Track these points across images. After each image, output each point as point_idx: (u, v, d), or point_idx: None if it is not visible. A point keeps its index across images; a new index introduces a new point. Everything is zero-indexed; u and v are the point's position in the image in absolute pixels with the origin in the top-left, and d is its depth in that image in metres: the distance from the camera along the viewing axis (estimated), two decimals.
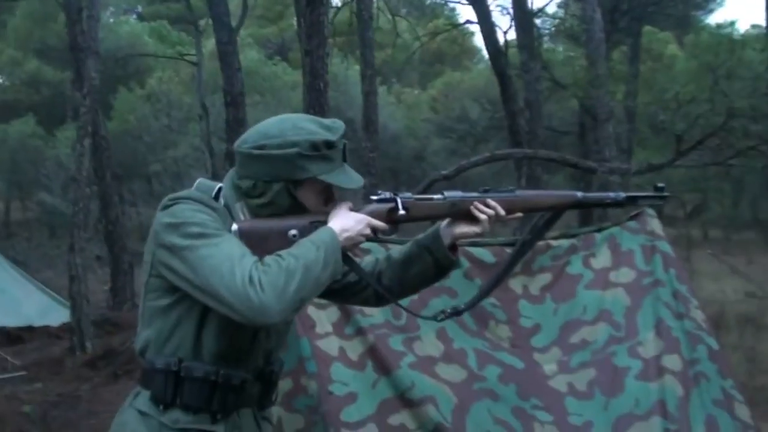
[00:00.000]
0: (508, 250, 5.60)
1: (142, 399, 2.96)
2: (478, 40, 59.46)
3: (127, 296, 18.66)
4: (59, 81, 39.03)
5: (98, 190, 19.07)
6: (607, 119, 17.04)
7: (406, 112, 38.92)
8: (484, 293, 3.73)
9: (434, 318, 3.62)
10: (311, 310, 4.69)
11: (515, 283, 5.58)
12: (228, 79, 15.55)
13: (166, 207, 2.87)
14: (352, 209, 3.02)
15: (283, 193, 2.96)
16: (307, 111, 11.92)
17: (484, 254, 5.53)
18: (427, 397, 4.73)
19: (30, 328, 15.92)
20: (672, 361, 5.42)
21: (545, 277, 5.68)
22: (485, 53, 27.81)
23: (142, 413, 2.94)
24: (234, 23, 18.65)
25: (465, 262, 5.43)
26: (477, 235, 3.22)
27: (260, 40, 44.65)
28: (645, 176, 14.71)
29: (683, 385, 5.34)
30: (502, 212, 3.18)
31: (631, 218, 6.09)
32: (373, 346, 4.76)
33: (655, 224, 6.03)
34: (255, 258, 2.72)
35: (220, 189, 2.99)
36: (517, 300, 5.55)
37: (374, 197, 3.11)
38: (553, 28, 29.23)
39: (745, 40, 14.39)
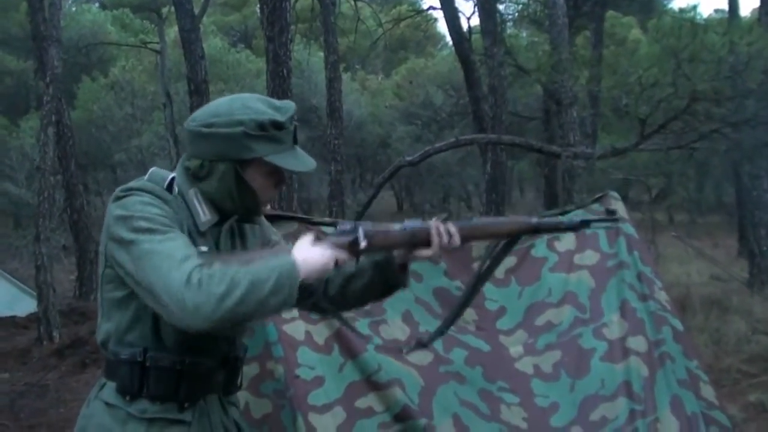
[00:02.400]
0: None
1: (108, 390, 2.94)
2: (442, 26, 59.68)
3: (93, 286, 18.54)
4: (22, 70, 38.71)
5: (63, 179, 18.98)
6: (570, 104, 17.06)
7: (371, 98, 38.92)
8: (449, 322, 3.69)
9: (399, 351, 3.66)
10: None
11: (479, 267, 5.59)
12: (191, 66, 15.48)
13: (117, 198, 2.83)
14: (318, 239, 2.95)
15: (230, 173, 2.93)
16: (270, 98, 11.92)
17: None
18: (394, 380, 4.75)
19: None
20: (637, 343, 5.46)
21: (510, 261, 5.70)
22: (449, 39, 27.85)
23: (108, 405, 2.92)
24: (197, 11, 18.60)
25: None
26: (427, 258, 3.19)
27: (223, 27, 44.61)
28: (609, 160, 14.75)
29: (648, 366, 5.39)
30: (458, 241, 3.13)
31: (595, 201, 6.12)
32: (340, 330, 4.76)
33: (619, 206, 6.05)
34: (199, 261, 2.68)
35: (173, 179, 2.94)
36: None
37: (336, 229, 3.04)
38: (516, 14, 29.26)
39: (708, 25, 14.43)
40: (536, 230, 3.37)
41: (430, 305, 5.31)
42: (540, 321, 5.54)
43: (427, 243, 3.10)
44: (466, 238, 3.18)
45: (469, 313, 5.45)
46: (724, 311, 13.23)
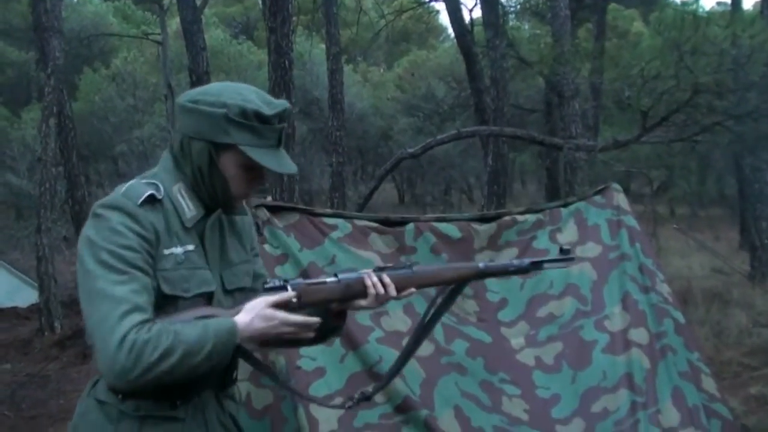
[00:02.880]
0: (475, 225, 5.64)
1: (101, 387, 2.92)
2: (444, 18, 59.59)
3: None
4: (23, 62, 38.64)
5: (64, 170, 18.95)
6: (572, 96, 17.04)
7: (372, 90, 38.80)
8: (393, 374, 3.65)
9: (341, 406, 3.65)
10: None
11: (482, 258, 5.59)
12: (193, 58, 15.46)
13: (94, 215, 2.80)
14: (274, 304, 2.88)
15: (204, 153, 2.91)
16: (272, 89, 11.89)
17: (451, 229, 5.55)
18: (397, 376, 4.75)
19: None
20: (638, 335, 5.48)
21: (512, 252, 5.70)
22: (451, 31, 27.83)
23: (100, 402, 2.90)
24: (198, 2, 18.55)
25: (432, 238, 5.45)
26: (364, 307, 3.15)
27: (225, 19, 44.52)
28: (611, 153, 14.73)
29: (650, 358, 5.40)
30: (394, 293, 3.10)
31: (597, 193, 6.13)
32: None
33: (621, 199, 6.07)
34: (144, 316, 2.64)
35: (150, 195, 2.84)
36: None
37: (264, 286, 3.00)
38: (518, 6, 29.19)
39: (710, 17, 14.40)
40: (483, 275, 3.38)
41: (431, 296, 5.30)
42: (542, 313, 5.55)
43: (363, 294, 3.07)
44: (404, 288, 3.14)
45: (471, 305, 5.46)
46: (725, 304, 13.23)
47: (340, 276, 3.06)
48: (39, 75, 18.76)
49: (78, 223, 19.23)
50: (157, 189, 2.87)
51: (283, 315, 2.88)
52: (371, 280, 3.06)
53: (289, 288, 2.97)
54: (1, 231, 27.03)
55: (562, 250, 3.52)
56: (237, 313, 2.87)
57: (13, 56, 39.27)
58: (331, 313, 3.18)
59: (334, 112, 18.10)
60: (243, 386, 4.39)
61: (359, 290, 3.06)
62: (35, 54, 20.90)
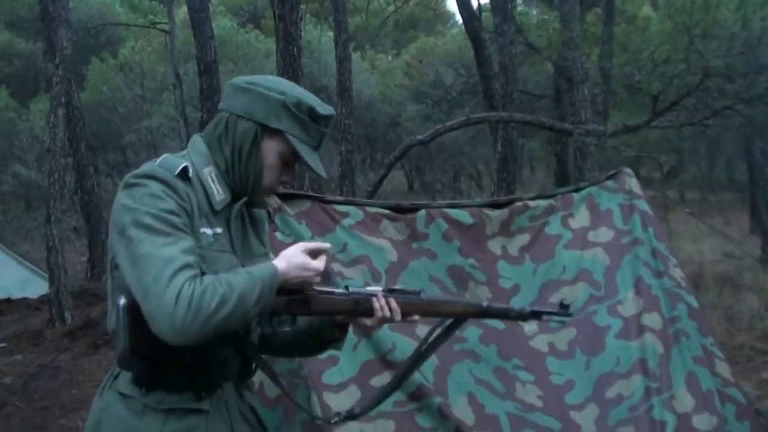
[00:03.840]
0: (487, 211, 5.62)
1: (123, 381, 2.88)
2: (452, 5, 59.53)
3: (105, 267, 18.51)
4: (31, 52, 38.71)
5: (73, 161, 18.98)
6: (582, 81, 16.99)
7: (381, 78, 38.76)
8: (387, 392, 3.63)
9: (328, 420, 3.64)
10: None
11: (494, 245, 5.59)
12: (201, 47, 15.45)
13: (127, 185, 2.76)
14: (307, 251, 2.89)
15: (250, 133, 2.92)
16: (280, 77, 11.87)
17: (463, 215, 5.54)
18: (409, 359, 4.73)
19: (9, 301, 15.88)
20: (652, 320, 5.46)
21: (524, 238, 5.69)
22: (459, 18, 27.74)
23: (123, 395, 2.86)
24: None
25: (444, 224, 5.44)
26: (366, 325, 3.13)
27: (232, 7, 44.40)
28: (620, 138, 14.71)
29: (663, 343, 5.38)
30: (398, 318, 3.08)
31: (609, 177, 6.10)
32: None
33: (633, 183, 6.05)
34: (194, 272, 2.64)
35: (185, 167, 2.83)
36: (496, 261, 5.56)
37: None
38: None
39: (720, 0, 14.36)
40: (484, 314, 3.38)
41: (443, 283, 5.30)
42: (554, 298, 5.51)
43: (369, 313, 3.06)
44: (408, 313, 3.12)
45: (483, 291, 5.45)
46: (736, 288, 13.23)
47: (351, 290, 3.04)
48: (47, 65, 18.85)
49: (87, 213, 19.30)
50: (190, 166, 2.86)
51: (316, 263, 2.88)
52: (380, 303, 3.05)
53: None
54: (11, 222, 27.09)
55: (562, 305, 3.50)
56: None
57: (20, 47, 39.34)
58: (335, 324, 3.19)
59: (342, 99, 18.05)
60: (256, 376, 4.35)
61: (366, 308, 3.05)
62: (43, 45, 20.99)
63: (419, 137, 13.50)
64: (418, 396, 4.73)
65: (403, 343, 4.77)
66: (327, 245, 2.95)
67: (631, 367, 5.30)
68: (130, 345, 2.76)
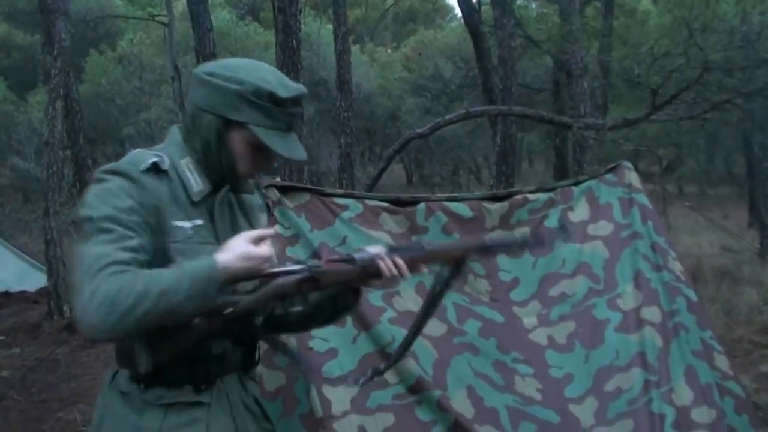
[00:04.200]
0: (486, 204, 5.61)
1: (121, 378, 2.89)
2: None
3: None
4: (29, 44, 38.74)
5: (72, 153, 18.99)
6: (581, 75, 16.99)
7: (380, 71, 38.79)
8: (404, 349, 3.59)
9: (355, 382, 3.61)
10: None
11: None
12: (200, 39, 15.38)
13: (96, 180, 2.78)
14: (250, 240, 2.80)
15: (213, 127, 2.88)
16: (280, 70, 11.83)
17: (462, 208, 5.53)
18: (408, 352, 4.73)
19: (7, 294, 15.88)
20: (651, 313, 5.46)
21: (523, 231, 5.68)
22: (458, 11, 27.74)
23: (123, 393, 2.87)
24: None
25: (443, 217, 5.43)
26: (377, 287, 3.11)
27: (231, 0, 44.42)
28: (619, 131, 14.72)
29: (663, 337, 5.38)
30: (407, 273, 3.04)
31: (608, 171, 6.10)
32: None
33: (632, 177, 6.04)
34: (123, 268, 2.59)
35: (155, 163, 2.81)
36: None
37: (283, 268, 2.91)
38: None
39: None
40: (487, 250, 3.34)
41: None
42: (554, 292, 5.53)
43: (377, 274, 3.03)
44: (415, 268, 3.10)
45: (483, 284, 5.44)
46: (735, 282, 13.25)
47: (357, 257, 3.01)
48: (45, 58, 18.84)
49: None
50: (162, 160, 2.84)
51: (260, 250, 2.79)
52: (386, 263, 3.01)
53: (307, 270, 2.91)
54: (9, 215, 27.04)
55: (562, 228, 3.51)
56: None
57: (18, 39, 39.37)
58: (347, 291, 3.15)
59: (341, 92, 18.05)
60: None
61: (374, 271, 3.01)
62: (41, 37, 20.95)
63: (418, 130, 13.51)
64: (417, 389, 4.73)
65: (402, 336, 4.76)
66: (270, 231, 2.89)
67: (630, 361, 5.29)
68: (154, 360, 2.78)
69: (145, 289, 2.55)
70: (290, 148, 2.91)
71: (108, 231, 2.64)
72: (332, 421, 4.45)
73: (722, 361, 5.59)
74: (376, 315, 4.80)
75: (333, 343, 4.64)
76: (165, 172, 2.83)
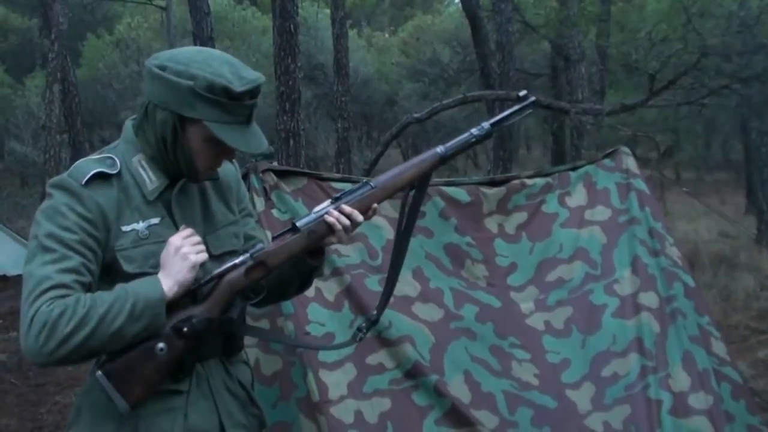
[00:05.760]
0: (483, 188, 5.60)
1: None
2: None
3: None
4: (27, 28, 38.69)
5: (69, 137, 18.95)
6: (579, 60, 17.01)
7: (377, 56, 38.72)
8: (388, 290, 3.54)
9: (354, 340, 3.52)
10: None
11: (491, 222, 5.58)
12: (197, 23, 15.37)
13: (47, 193, 2.77)
14: (171, 246, 2.79)
15: (168, 123, 2.79)
16: (277, 54, 11.84)
17: (459, 193, 5.52)
18: (405, 337, 4.73)
19: (4, 278, 15.89)
20: (648, 299, 5.46)
21: (521, 216, 5.68)
22: None
23: (100, 384, 2.81)
24: None
25: (440, 202, 5.42)
26: (335, 243, 3.04)
27: None
28: (616, 117, 14.70)
29: (660, 322, 5.39)
30: (360, 218, 2.99)
31: (606, 156, 6.10)
32: (350, 286, 4.74)
33: (630, 162, 6.04)
34: (65, 292, 2.60)
35: (96, 171, 2.76)
36: (492, 239, 5.54)
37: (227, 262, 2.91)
38: None
39: None
40: (443, 160, 3.22)
41: (440, 261, 5.28)
42: (551, 277, 5.53)
43: (329, 232, 2.98)
44: (368, 208, 3.05)
45: (480, 269, 5.43)
46: (732, 268, 13.27)
47: (299, 224, 2.97)
48: (43, 41, 18.78)
49: None
50: (112, 164, 2.81)
51: (188, 241, 2.81)
52: (333, 216, 2.96)
53: (248, 259, 2.91)
54: (6, 199, 27.06)
55: (519, 97, 3.37)
56: None
57: (16, 23, 39.30)
58: (306, 257, 3.08)
59: (339, 77, 18.04)
60: (252, 353, 4.37)
61: (324, 231, 2.98)
62: (39, 20, 20.90)
63: (416, 115, 13.49)
64: (414, 374, 4.72)
65: (399, 321, 4.77)
66: (189, 231, 2.86)
67: (627, 346, 5.30)
68: (129, 402, 2.76)
69: (86, 313, 2.57)
70: (248, 141, 2.84)
71: (49, 250, 2.64)
72: (329, 405, 4.44)
73: (719, 347, 5.61)
74: (373, 299, 4.77)
75: (330, 328, 4.63)
76: (113, 176, 2.80)
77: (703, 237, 16.96)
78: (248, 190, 4.54)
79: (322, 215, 2.97)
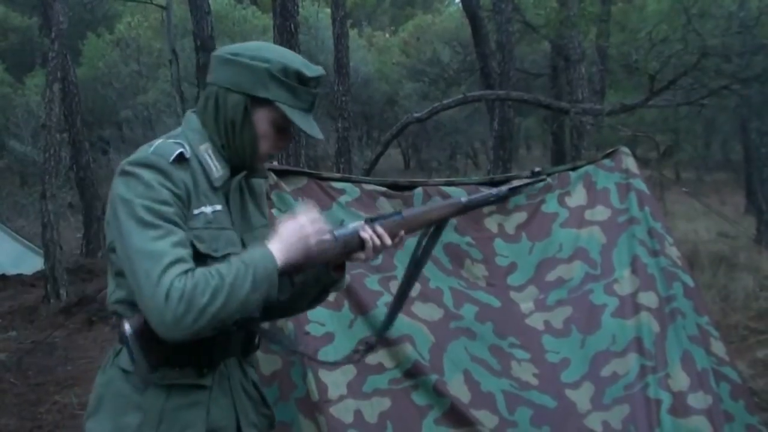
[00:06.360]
0: (483, 189, 5.60)
1: (125, 357, 2.86)
2: None
3: (100, 243, 18.58)
4: (27, 27, 38.68)
5: (69, 136, 18.96)
6: (579, 60, 17.00)
7: (378, 55, 38.74)
8: (391, 318, 3.63)
9: (349, 360, 3.65)
10: None
11: (490, 222, 5.58)
12: (197, 22, 15.36)
13: (123, 173, 2.77)
14: (296, 224, 2.88)
15: (240, 106, 2.89)
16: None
17: (459, 193, 5.50)
18: (405, 336, 4.74)
19: (3, 277, 15.91)
20: (648, 298, 5.46)
21: (520, 216, 5.68)
22: None
23: (125, 372, 2.86)
24: None
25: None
26: (361, 260, 3.15)
27: None
28: (616, 117, 14.71)
29: (659, 322, 5.39)
30: (389, 242, 3.11)
31: (606, 156, 6.10)
32: (349, 285, 4.73)
33: (629, 162, 6.04)
34: (186, 266, 2.64)
35: (181, 153, 2.82)
36: (492, 239, 5.55)
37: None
38: None
39: None
40: (465, 209, 3.43)
41: (440, 261, 5.29)
42: (551, 277, 5.53)
43: (360, 247, 3.07)
44: (395, 235, 3.15)
45: (480, 269, 5.44)
46: (731, 268, 13.26)
47: (337, 233, 3.03)
48: (43, 40, 18.78)
49: (83, 189, 19.30)
50: (185, 148, 2.85)
51: (307, 222, 2.89)
52: (368, 233, 3.06)
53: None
54: (6, 198, 27.04)
55: (533, 173, 3.57)
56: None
57: (16, 22, 39.29)
58: (331, 267, 3.14)
59: (339, 77, 18.02)
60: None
61: (356, 244, 3.06)
62: (39, 19, 20.89)
63: (416, 115, 13.52)
64: (413, 373, 4.73)
65: (399, 321, 4.73)
66: (316, 213, 2.93)
67: (626, 346, 5.30)
68: (148, 362, 2.77)
69: (217, 285, 2.61)
70: (312, 127, 2.97)
71: (153, 225, 2.66)
72: (328, 405, 4.45)
73: (718, 347, 5.61)
74: (372, 299, 4.80)
75: (330, 328, 4.64)
76: (188, 160, 2.85)
77: (703, 237, 16.95)
78: None
79: (358, 230, 3.07)
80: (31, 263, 16.25)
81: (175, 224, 2.70)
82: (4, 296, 14.71)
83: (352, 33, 29.19)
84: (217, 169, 2.92)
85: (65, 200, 21.13)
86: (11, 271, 16.14)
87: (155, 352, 2.77)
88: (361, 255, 3.10)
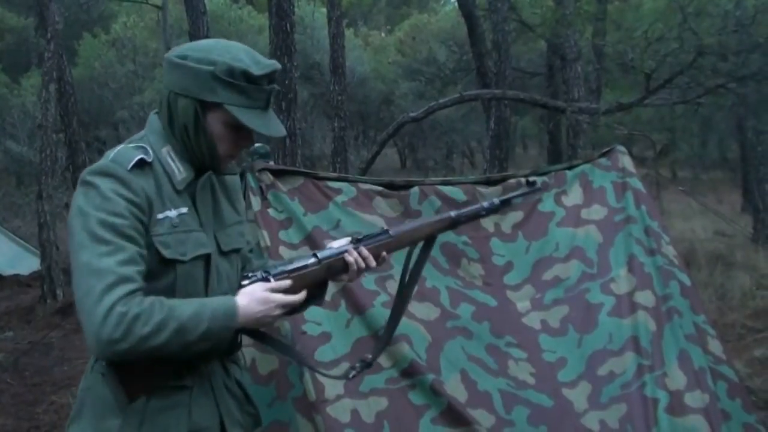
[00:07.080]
0: (480, 188, 5.60)
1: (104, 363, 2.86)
2: None
3: None
4: (23, 27, 38.61)
5: (65, 137, 18.93)
6: (575, 59, 17.01)
7: (373, 55, 38.72)
8: (388, 336, 3.68)
9: (344, 377, 3.62)
10: (282, 250, 4.67)
11: (487, 222, 5.57)
12: (193, 23, 15.35)
13: (82, 183, 2.78)
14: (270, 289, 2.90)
15: (190, 110, 2.86)
16: (273, 53, 11.84)
17: (456, 192, 5.51)
18: (401, 336, 4.72)
19: (0, 277, 15.86)
20: (645, 297, 5.47)
21: (517, 215, 5.68)
22: None
23: (105, 376, 2.85)
24: None
25: (437, 201, 5.41)
26: (345, 281, 3.23)
27: None
28: (613, 116, 14.71)
29: (656, 321, 5.40)
30: (373, 264, 3.15)
31: (602, 155, 6.10)
32: (346, 285, 4.72)
33: (626, 161, 6.04)
34: (132, 286, 2.63)
35: (140, 159, 2.80)
36: (488, 238, 5.54)
37: (244, 281, 2.98)
38: None
39: None
40: (455, 223, 3.49)
41: (437, 260, 5.28)
42: (547, 276, 5.53)
43: (344, 270, 3.11)
44: (380, 255, 3.20)
45: (476, 268, 5.43)
46: (728, 267, 13.27)
47: (320, 256, 3.06)
48: (38, 41, 18.74)
49: None
50: (146, 152, 2.84)
51: (279, 297, 2.89)
52: (352, 256, 3.09)
53: (271, 279, 2.96)
54: (2, 198, 27.01)
55: (528, 182, 3.58)
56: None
57: (12, 22, 39.24)
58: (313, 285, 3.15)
59: (335, 76, 18.01)
60: (248, 352, 4.37)
61: (341, 267, 3.09)
62: (34, 19, 20.85)
63: (412, 114, 13.52)
64: (410, 373, 4.72)
65: None
66: (287, 283, 2.96)
67: (623, 345, 5.30)
68: (128, 395, 2.80)
69: (162, 321, 2.61)
70: (268, 125, 2.93)
71: (104, 240, 2.65)
72: (325, 404, 4.44)
73: (715, 346, 5.61)
74: (369, 299, 4.79)
75: (326, 327, 4.63)
76: (150, 165, 2.83)
77: (699, 236, 16.96)
78: (245, 189, 4.57)
79: (343, 253, 3.10)
80: (28, 264, 16.24)
81: (129, 238, 2.69)
82: (0, 297, 14.70)
83: (348, 32, 29.24)
84: (180, 171, 2.91)
85: (61, 200, 21.06)
86: (8, 271, 16.14)
87: (133, 384, 2.79)
88: (344, 277, 3.15)
